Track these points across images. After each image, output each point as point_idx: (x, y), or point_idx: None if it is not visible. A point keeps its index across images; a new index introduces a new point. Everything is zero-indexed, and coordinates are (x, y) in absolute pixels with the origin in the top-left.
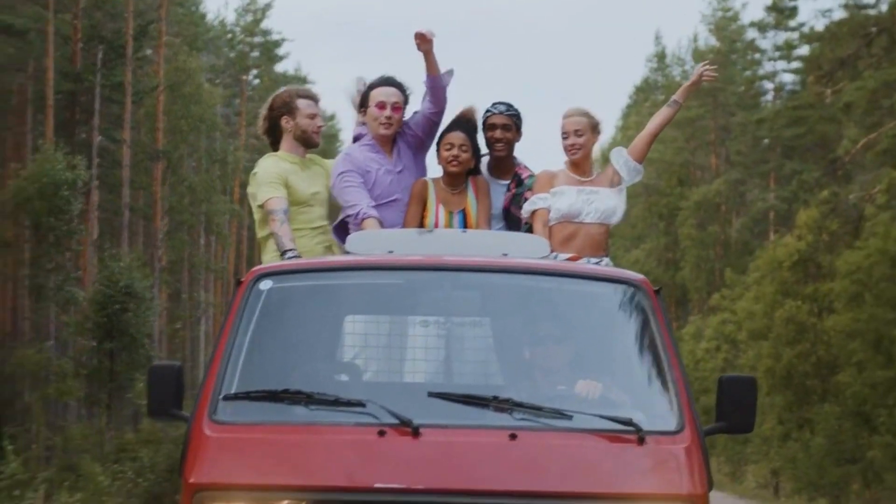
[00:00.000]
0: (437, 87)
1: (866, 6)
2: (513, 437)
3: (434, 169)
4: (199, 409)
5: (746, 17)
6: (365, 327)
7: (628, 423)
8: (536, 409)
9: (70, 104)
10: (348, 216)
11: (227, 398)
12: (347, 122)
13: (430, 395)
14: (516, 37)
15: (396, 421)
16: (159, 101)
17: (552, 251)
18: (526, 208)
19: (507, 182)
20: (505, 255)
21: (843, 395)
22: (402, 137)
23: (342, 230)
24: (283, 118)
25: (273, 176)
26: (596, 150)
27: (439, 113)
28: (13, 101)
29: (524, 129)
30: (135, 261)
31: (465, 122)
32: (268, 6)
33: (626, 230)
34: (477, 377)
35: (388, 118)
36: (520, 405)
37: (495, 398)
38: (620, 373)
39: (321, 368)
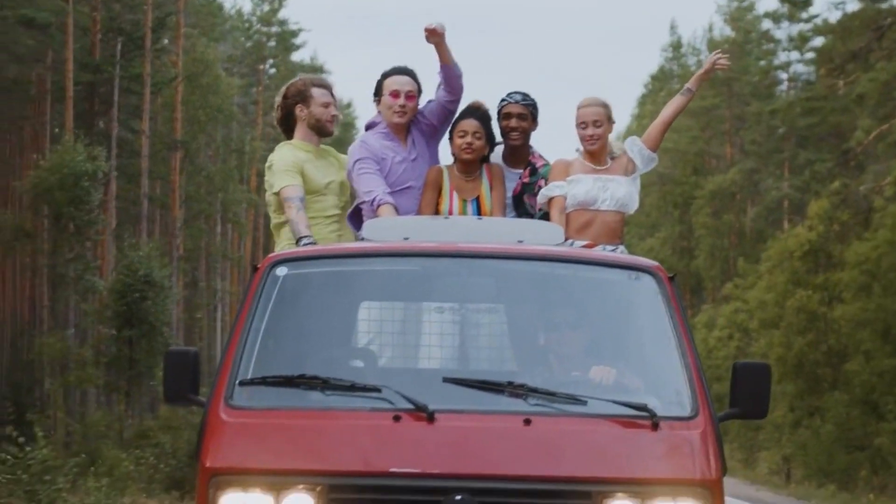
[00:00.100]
0: (451, 76)
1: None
2: (527, 422)
3: (446, 157)
4: (216, 395)
5: (761, 8)
6: (380, 313)
7: (643, 408)
8: (551, 395)
9: (89, 95)
10: (363, 203)
11: (243, 383)
12: (363, 111)
13: (446, 380)
14: (531, 25)
15: (412, 406)
16: (177, 91)
17: (568, 238)
18: (542, 195)
19: (521, 171)
20: (520, 242)
21: (851, 383)
22: (415, 126)
23: (356, 217)
24: (297, 106)
25: (289, 164)
26: (611, 139)
27: (455, 101)
28: (32, 92)
29: (540, 118)
30: (153, 250)
31: (477, 110)
32: None
33: (640, 219)
34: (492, 363)
35: (402, 107)
36: (534, 391)
37: (510, 384)
38: (635, 359)
39: (337, 354)
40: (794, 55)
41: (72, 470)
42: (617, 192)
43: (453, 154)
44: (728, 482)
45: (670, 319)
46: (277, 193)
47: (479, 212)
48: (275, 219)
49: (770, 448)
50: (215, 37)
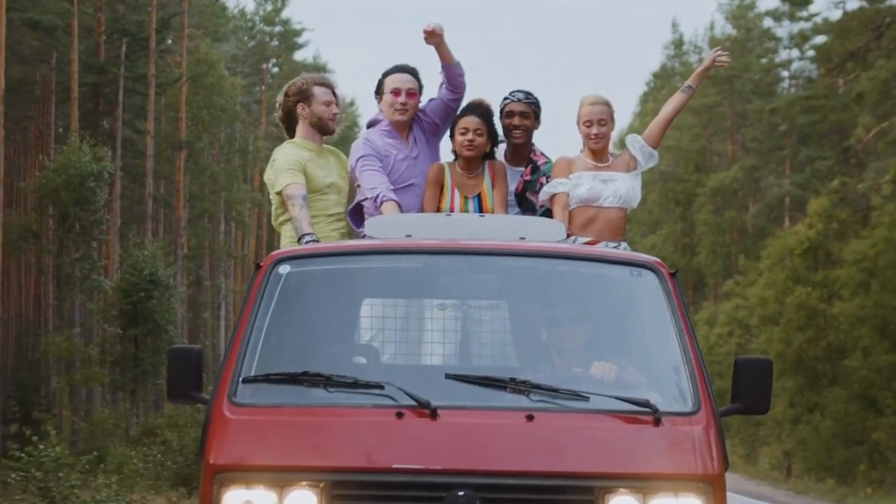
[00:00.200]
0: (453, 75)
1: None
2: (530, 418)
3: (446, 155)
4: (219, 392)
5: (762, 6)
6: (383, 310)
7: (644, 404)
8: (553, 391)
9: (94, 96)
10: (364, 199)
11: (246, 381)
12: (366, 109)
13: (448, 377)
14: (533, 21)
15: (414, 403)
16: (181, 91)
17: (571, 235)
18: (545, 192)
19: (523, 169)
20: (522, 238)
21: (850, 379)
22: (417, 123)
23: (357, 214)
24: (298, 105)
25: (292, 163)
26: (613, 136)
27: (458, 99)
28: (36, 92)
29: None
30: (159, 249)
31: (479, 107)
32: None
33: (643, 216)
34: (494, 359)
35: (403, 104)
36: (537, 387)
37: (512, 380)
38: (637, 354)
39: (339, 351)
40: (796, 53)
41: (84, 467)
42: (619, 188)
43: (455, 151)
44: (729, 477)
45: (672, 315)
46: (280, 192)
47: (480, 209)
48: (277, 218)
49: (771, 443)
50: (219, 37)
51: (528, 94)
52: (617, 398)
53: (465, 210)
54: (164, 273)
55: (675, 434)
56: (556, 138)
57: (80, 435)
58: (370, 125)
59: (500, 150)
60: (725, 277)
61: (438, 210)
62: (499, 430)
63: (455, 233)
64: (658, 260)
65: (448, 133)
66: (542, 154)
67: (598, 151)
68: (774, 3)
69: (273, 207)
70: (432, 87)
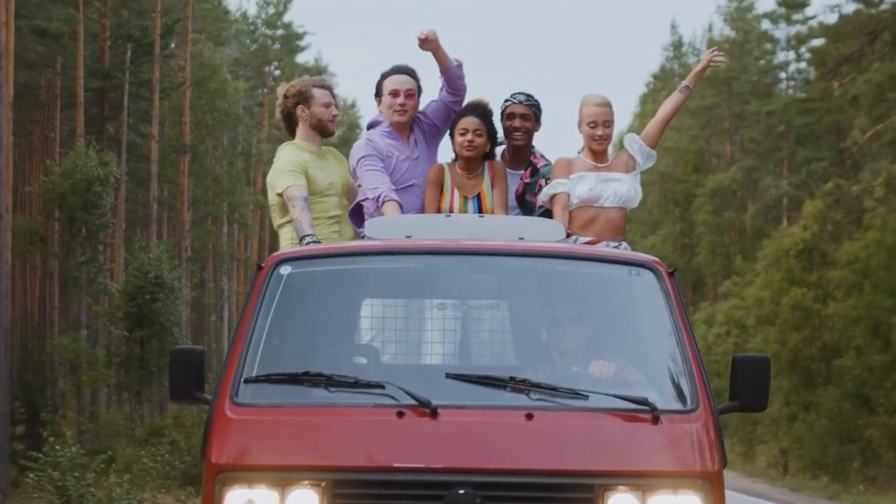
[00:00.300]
0: (452, 77)
1: (872, 3)
2: (529, 417)
3: (444, 157)
4: (221, 392)
5: (760, 8)
6: (383, 311)
7: (643, 402)
8: (552, 390)
9: (99, 101)
10: (365, 200)
11: (248, 381)
12: (367, 111)
13: (448, 376)
14: (532, 21)
15: (415, 402)
16: (185, 96)
17: (572, 235)
18: (545, 192)
19: (522, 172)
20: (521, 239)
21: (844, 378)
22: (418, 125)
23: (357, 214)
24: (298, 107)
25: (293, 164)
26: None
27: (458, 101)
28: (41, 97)
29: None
30: (164, 252)
31: (478, 107)
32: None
33: (642, 216)
34: (494, 359)
35: (402, 105)
36: (536, 386)
37: (512, 379)
38: (635, 353)
39: (340, 351)
40: (793, 55)
41: (98, 466)
42: (619, 188)
43: (455, 151)
44: (726, 475)
45: (670, 314)
46: (281, 194)
47: (480, 209)
48: (278, 220)
49: (768, 441)
50: (221, 41)
51: (528, 96)
52: (616, 396)
53: (464, 210)
54: (169, 276)
55: (673, 432)
56: (556, 138)
57: (86, 436)
58: (370, 126)
59: (500, 152)
60: (724, 277)
61: (439, 210)
62: (499, 428)
63: (454, 233)
64: (656, 259)
65: (447, 134)
66: (542, 156)
67: (599, 152)
68: (772, 6)
69: (273, 209)
70: (432, 87)
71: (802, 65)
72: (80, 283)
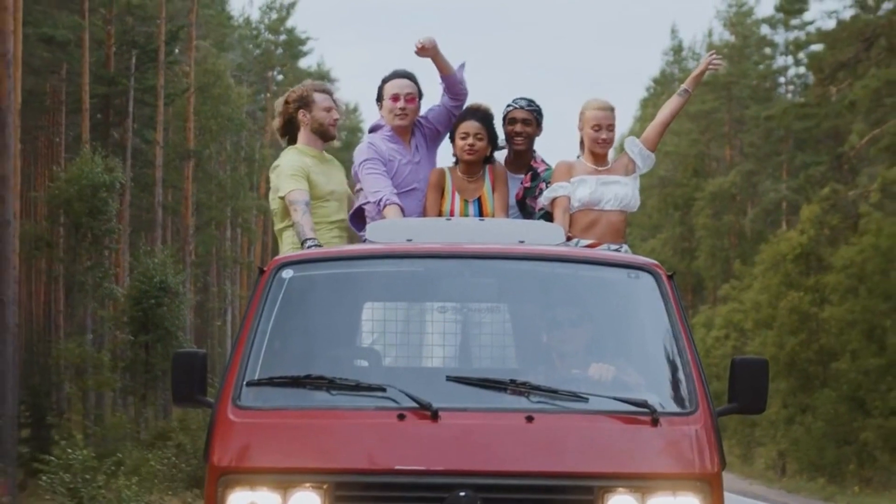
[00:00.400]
0: (453, 83)
1: (870, 8)
2: (529, 419)
3: (443, 161)
4: (224, 395)
5: (760, 13)
6: (384, 314)
7: (643, 404)
8: (552, 392)
9: (104, 107)
10: (367, 203)
11: (250, 384)
12: (369, 115)
13: (449, 379)
14: (533, 25)
15: (416, 405)
16: (189, 102)
17: (573, 238)
18: (546, 195)
19: (522, 176)
20: (521, 242)
21: (840, 381)
22: (419, 129)
23: (358, 218)
24: (299, 112)
25: (296, 169)
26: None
27: (460, 106)
28: (46, 103)
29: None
30: (168, 257)
31: (478, 111)
32: (292, 4)
33: (642, 220)
34: (494, 361)
35: (403, 109)
36: (536, 388)
37: (512, 382)
38: (635, 356)
39: (342, 354)
40: (792, 60)
41: (109, 469)
42: (620, 191)
43: (455, 155)
44: (725, 477)
45: (669, 317)
46: (283, 197)
47: (480, 212)
48: (279, 223)
49: (766, 444)
50: (224, 46)
51: (530, 101)
52: (615, 399)
53: (465, 213)
54: (173, 280)
55: (672, 434)
56: (556, 139)
57: (91, 439)
58: (372, 130)
59: (501, 156)
60: (724, 281)
61: (440, 214)
62: (499, 431)
63: (455, 237)
64: (655, 262)
65: (448, 137)
66: (543, 161)
67: (599, 155)
68: (771, 11)
69: (274, 212)
70: (434, 92)
71: (801, 69)
72: (86, 287)
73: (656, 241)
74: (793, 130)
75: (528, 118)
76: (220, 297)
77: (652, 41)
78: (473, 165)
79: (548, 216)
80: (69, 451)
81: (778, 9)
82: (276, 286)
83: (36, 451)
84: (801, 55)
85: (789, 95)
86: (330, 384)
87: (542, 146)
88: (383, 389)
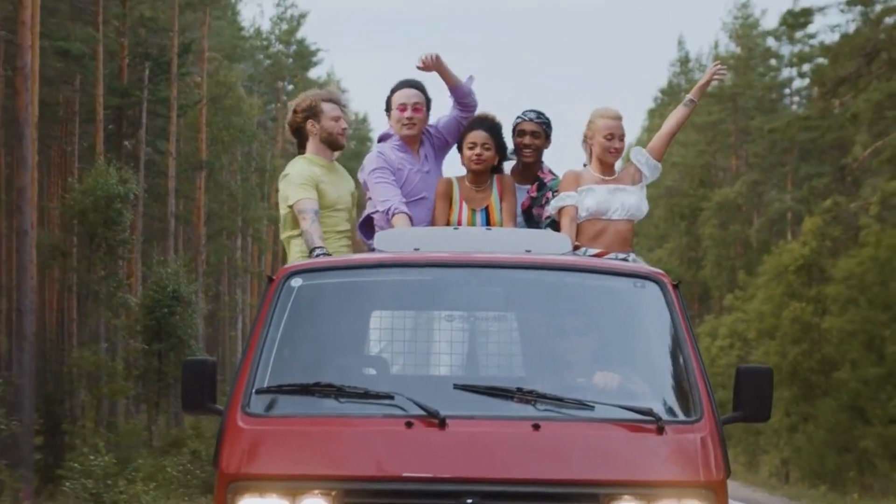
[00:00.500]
0: (461, 95)
1: (873, 22)
2: (536, 427)
3: (448, 171)
4: (233, 403)
5: (766, 25)
6: (392, 322)
7: (648, 413)
8: (559, 401)
9: (118, 118)
10: (375, 212)
11: (259, 392)
12: (378, 125)
13: (456, 387)
14: (540, 36)
15: (424, 413)
16: (202, 113)
17: (581, 247)
18: (553, 205)
19: (529, 186)
20: (528, 251)
21: (840, 390)
22: (428, 139)
23: (367, 226)
24: (308, 122)
25: (305, 178)
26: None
27: (469, 117)
28: (60, 113)
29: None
30: (181, 267)
31: (485, 121)
32: (302, 16)
33: (649, 230)
34: (501, 370)
35: (410, 118)
36: (543, 396)
37: (519, 390)
38: (641, 364)
39: (350, 362)
40: (797, 72)
41: (130, 475)
42: (627, 200)
43: (464, 165)
44: (730, 485)
45: (675, 326)
46: (292, 206)
47: (488, 222)
48: (286, 232)
49: (770, 452)
50: (235, 57)
51: (539, 113)
52: (621, 407)
53: (472, 223)
54: (186, 290)
55: (678, 442)
56: (563, 146)
57: (106, 446)
58: (381, 140)
59: (509, 167)
60: (730, 291)
61: (448, 223)
62: (506, 438)
63: (462, 246)
64: (661, 271)
65: (455, 147)
66: (550, 171)
67: (607, 165)
68: (776, 24)
69: (282, 221)
70: (443, 100)
71: (806, 81)
72: (101, 297)
73: (663, 250)
74: (797, 142)
75: (537, 130)
76: (231, 306)
77: (659, 52)
78: (481, 175)
79: (554, 225)
80: (91, 457)
81: (782, 22)
82: (284, 295)
83: (50, 458)
84: (805, 68)
85: (794, 106)
86: (338, 392)
87: (549, 155)
88: (391, 397)
